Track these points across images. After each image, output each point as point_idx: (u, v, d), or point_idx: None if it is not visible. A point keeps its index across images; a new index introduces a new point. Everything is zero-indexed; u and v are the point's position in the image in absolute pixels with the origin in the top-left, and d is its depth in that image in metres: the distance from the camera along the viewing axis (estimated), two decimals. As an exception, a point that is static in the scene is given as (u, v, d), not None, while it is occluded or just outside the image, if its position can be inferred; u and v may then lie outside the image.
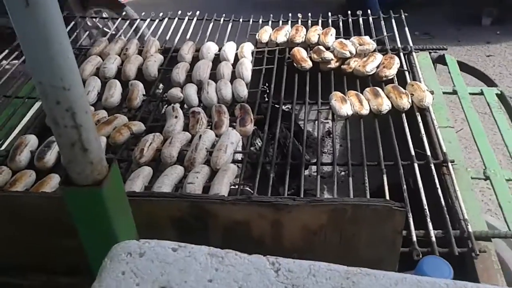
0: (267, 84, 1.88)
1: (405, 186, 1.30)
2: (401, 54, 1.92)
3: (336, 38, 1.99)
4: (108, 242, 0.80)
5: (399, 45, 1.98)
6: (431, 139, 1.50)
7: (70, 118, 0.71)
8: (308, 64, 1.84)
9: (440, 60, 2.03)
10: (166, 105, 1.80)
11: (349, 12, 2.23)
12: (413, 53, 1.94)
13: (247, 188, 1.39)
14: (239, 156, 1.47)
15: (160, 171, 1.38)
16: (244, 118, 1.56)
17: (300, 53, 1.90)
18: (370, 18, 2.18)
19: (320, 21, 2.19)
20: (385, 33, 2.08)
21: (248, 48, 1.98)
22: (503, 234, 1.21)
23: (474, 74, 2.01)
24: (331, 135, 1.98)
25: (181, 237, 0.87)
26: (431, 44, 2.12)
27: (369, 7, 2.34)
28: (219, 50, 1.99)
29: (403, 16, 2.17)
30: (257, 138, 1.79)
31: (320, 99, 1.70)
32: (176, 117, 1.57)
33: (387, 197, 1.25)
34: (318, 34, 2.02)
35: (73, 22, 2.39)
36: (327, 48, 1.91)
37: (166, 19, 2.32)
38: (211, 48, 1.99)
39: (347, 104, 1.61)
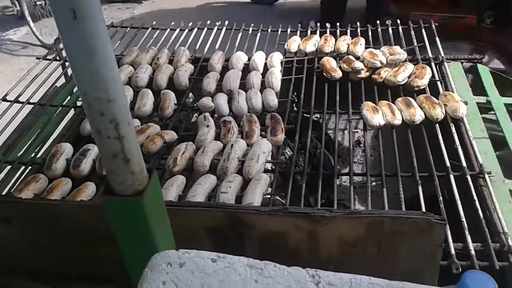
0: (295, 94, 1.88)
1: (441, 198, 1.28)
2: (433, 64, 1.89)
3: (366, 48, 1.98)
4: (147, 251, 0.80)
5: (430, 55, 1.96)
6: (466, 150, 1.48)
7: (113, 129, 0.72)
8: (338, 74, 1.84)
9: (472, 70, 1.99)
10: (197, 114, 1.81)
11: (377, 21, 2.21)
12: (445, 63, 1.92)
13: (279, 198, 1.39)
14: (269, 166, 1.47)
15: (193, 180, 1.39)
16: (275, 128, 1.56)
17: (330, 62, 1.89)
18: (400, 28, 2.16)
19: (348, 30, 2.18)
20: (415, 43, 2.05)
21: (277, 57, 1.99)
22: (545, 249, 1.17)
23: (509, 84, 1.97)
24: (361, 145, 1.97)
25: (216, 247, 0.87)
26: (456, 53, 2.07)
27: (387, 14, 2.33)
28: (248, 60, 2.00)
29: (433, 25, 2.14)
30: (287, 148, 1.78)
31: (350, 108, 1.69)
32: (207, 126, 1.58)
33: (423, 209, 1.23)
34: (348, 44, 2.02)
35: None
36: (357, 58, 1.91)
37: (195, 29, 2.35)
38: (240, 57, 2.00)
39: (379, 114, 1.60)
